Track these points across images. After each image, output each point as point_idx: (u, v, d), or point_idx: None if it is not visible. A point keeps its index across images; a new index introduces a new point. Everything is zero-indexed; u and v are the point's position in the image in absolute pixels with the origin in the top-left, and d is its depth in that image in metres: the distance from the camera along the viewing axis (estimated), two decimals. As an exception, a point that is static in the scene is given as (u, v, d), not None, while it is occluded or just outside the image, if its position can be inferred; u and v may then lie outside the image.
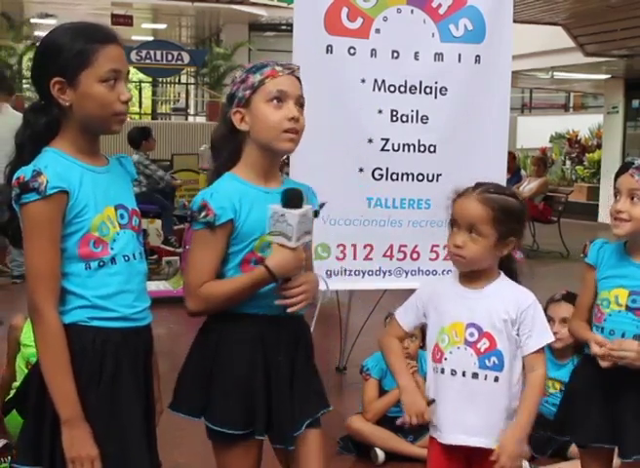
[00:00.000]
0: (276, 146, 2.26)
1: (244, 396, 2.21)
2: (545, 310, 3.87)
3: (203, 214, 2.18)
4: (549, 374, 3.86)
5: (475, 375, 2.43)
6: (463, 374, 2.43)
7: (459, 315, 2.46)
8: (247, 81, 2.25)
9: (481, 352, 2.43)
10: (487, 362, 2.43)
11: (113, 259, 2.06)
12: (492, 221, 2.40)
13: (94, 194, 2.05)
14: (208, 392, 2.24)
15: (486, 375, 2.42)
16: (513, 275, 2.55)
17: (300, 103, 2.28)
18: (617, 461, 2.84)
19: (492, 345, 2.43)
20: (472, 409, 2.43)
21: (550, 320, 3.83)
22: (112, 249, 2.06)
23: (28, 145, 2.06)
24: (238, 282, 2.22)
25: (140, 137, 9.62)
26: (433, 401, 2.48)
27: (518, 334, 2.44)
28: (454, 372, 2.44)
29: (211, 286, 2.21)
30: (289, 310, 2.23)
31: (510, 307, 2.44)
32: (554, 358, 3.88)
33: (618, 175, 2.70)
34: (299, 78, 2.31)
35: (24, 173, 1.97)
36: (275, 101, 2.22)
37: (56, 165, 2.00)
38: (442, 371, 2.46)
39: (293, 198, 2.20)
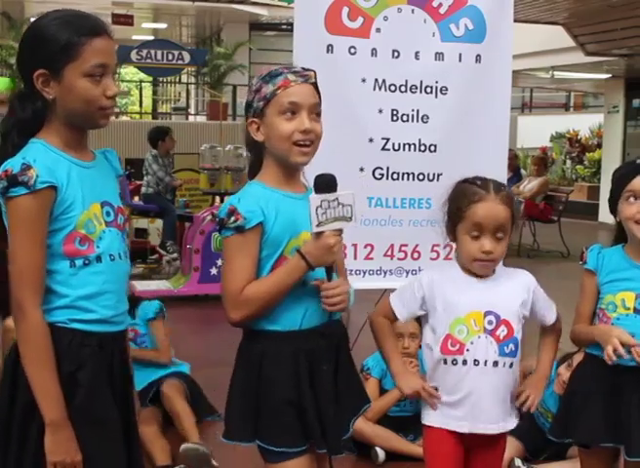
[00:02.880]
0: (289, 159, 2.25)
1: (296, 413, 2.18)
2: (572, 354, 3.84)
3: (232, 218, 2.15)
4: (551, 409, 3.84)
5: (495, 363, 2.45)
6: (485, 363, 2.45)
7: (475, 304, 2.46)
8: (261, 91, 2.23)
9: (500, 339, 2.46)
10: (506, 349, 2.46)
11: (99, 258, 2.01)
12: (512, 219, 2.48)
13: (81, 190, 1.98)
14: (258, 414, 2.19)
15: (504, 362, 2.46)
16: None
17: (315, 112, 2.26)
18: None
19: (510, 332, 2.46)
20: (494, 397, 2.47)
21: (571, 363, 3.81)
22: (98, 247, 2.01)
23: (14, 135, 1.99)
24: (278, 274, 2.18)
25: (157, 137, 9.66)
26: (436, 389, 2.50)
27: (532, 311, 2.52)
28: (477, 362, 2.45)
29: (250, 288, 2.16)
30: (328, 309, 2.21)
31: (521, 289, 2.50)
32: (557, 395, 3.86)
33: (629, 177, 2.64)
34: (315, 84, 2.30)
35: (12, 165, 1.90)
36: (287, 114, 2.21)
37: (45, 158, 1.93)
38: (464, 363, 2.45)
39: (318, 184, 2.20)
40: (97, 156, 2.11)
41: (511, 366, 2.48)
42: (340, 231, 2.20)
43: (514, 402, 2.53)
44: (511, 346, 2.46)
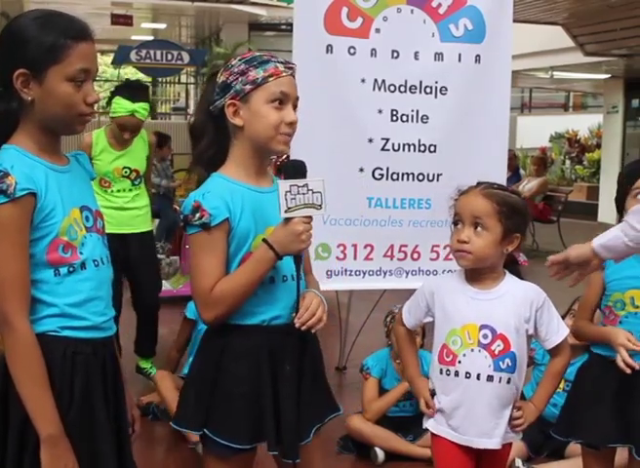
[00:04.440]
0: (271, 147, 2.20)
1: (252, 410, 2.14)
2: (571, 305, 3.91)
3: (197, 215, 2.08)
4: None
5: (490, 378, 2.41)
6: (478, 377, 2.41)
7: (471, 316, 2.43)
8: (247, 74, 2.15)
9: (496, 354, 2.41)
10: (501, 364, 2.41)
11: (83, 264, 1.93)
12: (497, 215, 2.40)
13: (60, 195, 1.91)
14: (211, 405, 2.16)
15: (500, 378, 2.41)
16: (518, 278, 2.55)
17: (295, 105, 2.22)
18: (618, 459, 2.84)
19: (506, 347, 2.41)
20: (487, 411, 2.43)
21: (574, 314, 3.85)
22: (81, 253, 1.93)
23: None
24: (246, 267, 2.13)
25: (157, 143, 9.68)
26: (433, 391, 2.51)
27: (536, 331, 2.45)
28: (468, 375, 2.42)
29: (220, 286, 2.11)
30: (303, 328, 2.14)
31: (525, 306, 2.43)
32: None
33: (638, 174, 2.68)
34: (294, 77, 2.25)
35: None
36: (276, 103, 2.16)
37: (21, 164, 1.85)
38: (456, 374, 2.43)
39: (287, 168, 2.14)
40: (70, 160, 2.03)
41: (509, 381, 2.43)
42: (309, 219, 2.12)
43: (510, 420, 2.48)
44: (508, 361, 2.41)
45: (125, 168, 4.69)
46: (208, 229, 2.10)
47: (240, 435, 2.14)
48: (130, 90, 4.69)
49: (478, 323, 2.42)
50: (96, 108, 1.94)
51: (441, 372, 2.47)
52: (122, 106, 4.54)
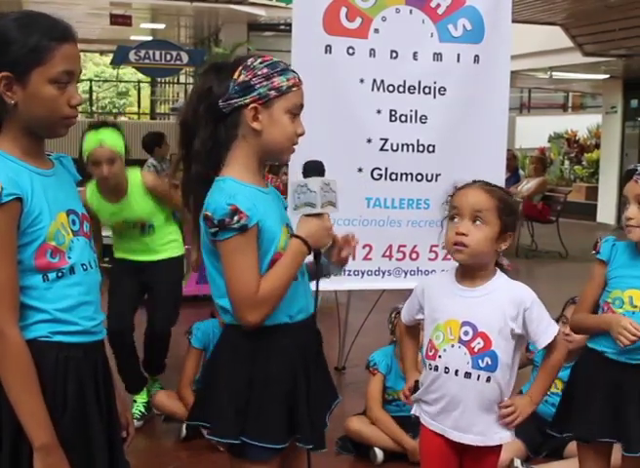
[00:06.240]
0: (282, 156, 2.26)
1: (288, 408, 2.16)
2: (563, 310, 3.91)
3: (236, 218, 2.06)
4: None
5: (468, 375, 2.42)
6: (456, 373, 2.42)
7: (454, 312, 2.45)
8: (272, 80, 2.14)
9: (475, 352, 2.41)
10: (480, 362, 2.41)
11: (72, 269, 1.91)
12: (496, 211, 2.42)
13: (46, 200, 1.87)
14: (249, 410, 2.15)
15: (479, 375, 2.41)
16: None
17: None
18: (614, 458, 2.84)
19: (486, 345, 2.41)
20: (463, 407, 2.44)
21: (566, 321, 3.85)
22: (70, 258, 1.91)
23: None
24: (283, 265, 2.15)
25: (153, 143, 9.63)
26: (416, 382, 2.56)
27: (526, 331, 2.44)
28: (447, 370, 2.44)
29: (264, 285, 2.11)
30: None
31: (511, 305, 2.42)
32: None
33: (624, 182, 2.74)
34: None
35: None
36: (292, 114, 2.18)
37: (6, 169, 1.82)
38: (436, 369, 2.46)
39: (314, 167, 2.19)
40: (55, 163, 2.01)
41: (489, 380, 2.42)
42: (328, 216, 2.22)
43: (498, 417, 2.47)
44: (487, 360, 2.41)
45: (125, 222, 4.29)
46: (245, 231, 2.09)
47: (279, 436, 2.16)
48: (93, 126, 4.25)
49: (460, 319, 2.44)
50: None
51: (429, 368, 2.50)
52: (87, 141, 4.11)
